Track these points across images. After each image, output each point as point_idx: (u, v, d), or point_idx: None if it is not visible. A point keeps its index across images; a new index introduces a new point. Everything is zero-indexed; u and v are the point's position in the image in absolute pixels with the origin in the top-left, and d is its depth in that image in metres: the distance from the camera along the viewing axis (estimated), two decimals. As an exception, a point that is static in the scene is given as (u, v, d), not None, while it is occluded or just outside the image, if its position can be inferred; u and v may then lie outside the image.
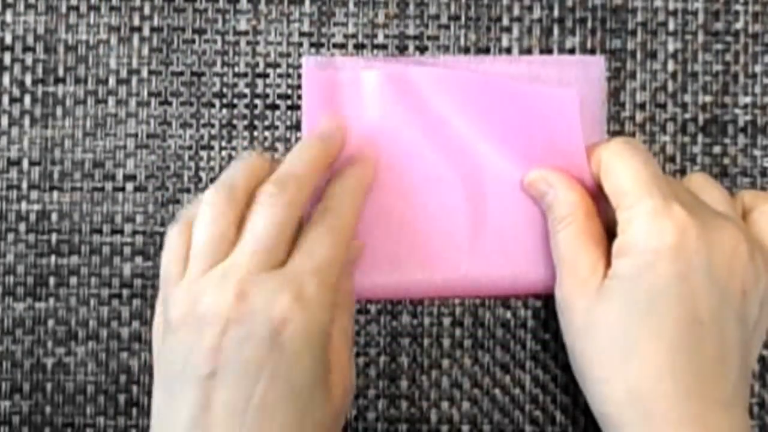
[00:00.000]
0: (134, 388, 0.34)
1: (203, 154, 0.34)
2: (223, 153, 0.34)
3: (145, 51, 0.35)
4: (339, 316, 0.29)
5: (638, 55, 0.35)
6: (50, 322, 0.34)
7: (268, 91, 0.35)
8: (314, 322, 0.27)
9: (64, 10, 0.35)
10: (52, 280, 0.34)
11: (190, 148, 0.34)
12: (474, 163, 0.34)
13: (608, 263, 0.29)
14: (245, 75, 0.35)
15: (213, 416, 0.26)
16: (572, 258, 0.30)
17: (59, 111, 0.34)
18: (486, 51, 0.35)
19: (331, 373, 0.28)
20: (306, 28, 0.35)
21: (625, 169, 0.29)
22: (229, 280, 0.27)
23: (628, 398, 0.28)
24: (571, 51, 0.35)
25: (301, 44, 0.35)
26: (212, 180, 0.33)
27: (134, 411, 0.34)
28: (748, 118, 0.35)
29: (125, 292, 0.34)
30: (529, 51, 0.35)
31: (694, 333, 0.28)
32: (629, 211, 0.29)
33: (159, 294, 0.30)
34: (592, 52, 0.35)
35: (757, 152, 0.35)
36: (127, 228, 0.34)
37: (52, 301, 0.34)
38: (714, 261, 0.28)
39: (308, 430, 0.27)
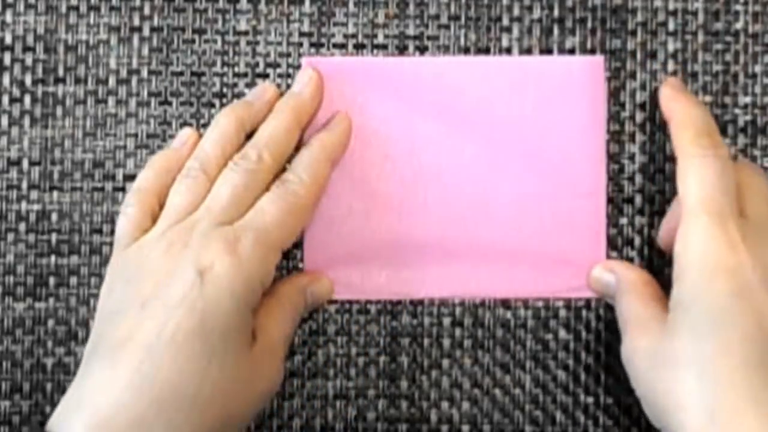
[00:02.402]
0: (134, 388, 0.34)
1: (203, 154, 0.34)
2: (223, 153, 0.34)
3: (145, 51, 0.35)
4: (284, 319, 0.31)
5: (638, 55, 0.35)
6: (50, 322, 0.34)
7: (268, 91, 0.35)
8: (240, 272, 0.28)
9: (64, 10, 0.35)
10: (52, 280, 0.34)
11: (190, 148, 0.34)
12: (480, 150, 0.34)
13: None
14: (245, 75, 0.35)
15: (127, 348, 0.27)
16: (633, 314, 0.30)
17: (59, 111, 0.34)
18: (486, 51, 0.35)
19: (257, 346, 0.29)
20: (306, 28, 0.35)
21: (692, 180, 0.29)
22: (181, 233, 0.29)
23: (709, 421, 0.27)
24: (571, 51, 0.35)
25: (301, 44, 0.35)
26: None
27: (134, 411, 0.34)
28: (748, 118, 0.35)
29: (125, 292, 0.34)
30: (529, 51, 0.35)
31: (765, 346, 0.27)
32: (685, 226, 0.29)
33: (112, 257, 0.31)
34: (592, 52, 0.35)
35: (757, 152, 0.35)
36: (127, 228, 0.34)
37: (52, 301, 0.34)
38: None
39: (214, 374, 0.27)
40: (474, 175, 0.34)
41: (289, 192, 0.30)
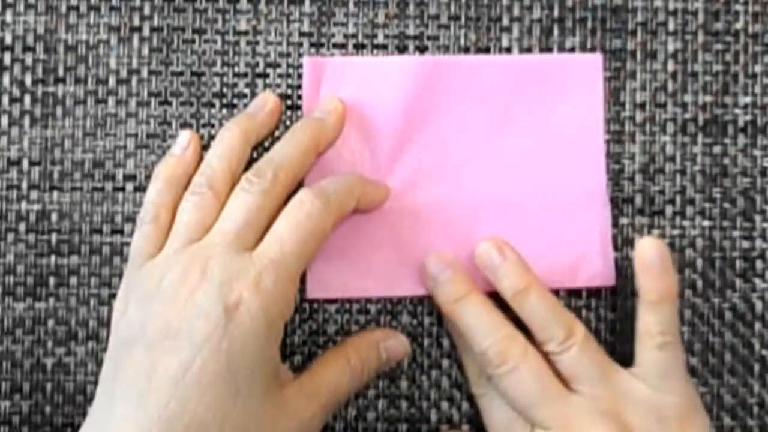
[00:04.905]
0: (134, 388, 0.34)
1: (203, 154, 0.34)
2: (223, 153, 0.34)
3: (145, 51, 0.35)
4: (343, 370, 0.31)
5: (638, 55, 0.35)
6: (50, 322, 0.34)
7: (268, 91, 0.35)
8: (264, 310, 0.28)
9: (64, 10, 0.35)
10: (52, 280, 0.34)
11: (190, 148, 0.34)
12: (480, 148, 0.34)
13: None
14: (245, 75, 0.35)
15: (152, 383, 0.27)
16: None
17: (59, 111, 0.34)
18: (486, 51, 0.35)
19: (294, 386, 0.29)
20: (306, 28, 0.35)
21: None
22: (197, 257, 0.29)
23: None
24: (571, 51, 0.35)
25: (301, 44, 0.35)
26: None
27: (134, 411, 0.34)
28: (748, 118, 0.35)
29: (125, 292, 0.34)
30: (529, 51, 0.35)
31: None
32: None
33: (126, 274, 0.31)
34: (592, 51, 0.35)
35: (757, 152, 0.35)
36: (127, 228, 0.34)
37: (52, 301, 0.34)
38: None
39: (237, 413, 0.27)
40: (474, 173, 0.34)
41: (310, 216, 0.29)
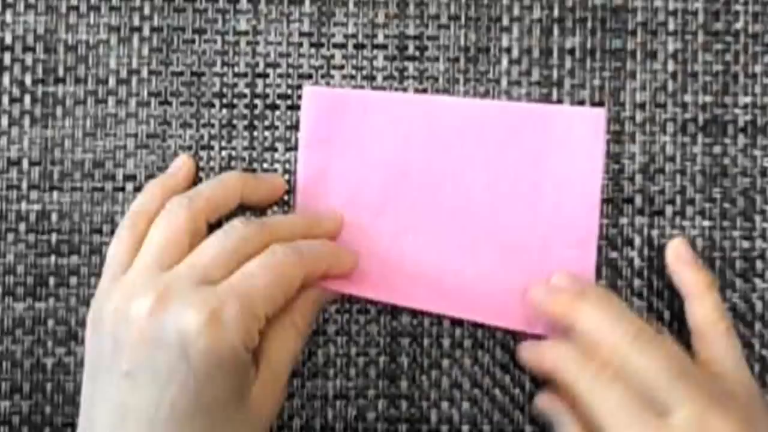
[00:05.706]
0: (134, 388, 0.34)
1: (203, 154, 0.34)
2: (223, 153, 0.34)
3: (145, 51, 0.35)
4: (295, 336, 0.31)
5: (638, 55, 0.35)
6: (50, 322, 0.34)
7: (268, 91, 0.35)
8: (225, 344, 0.27)
9: (64, 10, 0.35)
10: (52, 280, 0.34)
11: (190, 148, 0.34)
12: (475, 191, 0.34)
13: None
14: (245, 75, 0.35)
15: (127, 420, 0.27)
16: None
17: (59, 111, 0.34)
18: (486, 51, 0.35)
19: (259, 380, 0.29)
20: (306, 28, 0.35)
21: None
22: (159, 285, 0.28)
23: None
24: (571, 51, 0.35)
25: (301, 44, 0.35)
26: (212, 180, 0.33)
27: (134, 411, 0.34)
28: (748, 118, 0.35)
29: (125, 292, 0.34)
30: (529, 51, 0.35)
31: None
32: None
33: (100, 283, 0.30)
34: (592, 52, 0.35)
35: (757, 152, 0.35)
36: (127, 228, 0.34)
37: (52, 301, 0.34)
38: None
39: None
40: (466, 214, 0.34)
41: (283, 263, 0.29)
